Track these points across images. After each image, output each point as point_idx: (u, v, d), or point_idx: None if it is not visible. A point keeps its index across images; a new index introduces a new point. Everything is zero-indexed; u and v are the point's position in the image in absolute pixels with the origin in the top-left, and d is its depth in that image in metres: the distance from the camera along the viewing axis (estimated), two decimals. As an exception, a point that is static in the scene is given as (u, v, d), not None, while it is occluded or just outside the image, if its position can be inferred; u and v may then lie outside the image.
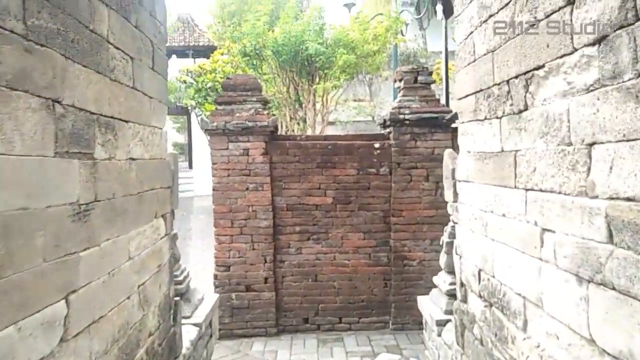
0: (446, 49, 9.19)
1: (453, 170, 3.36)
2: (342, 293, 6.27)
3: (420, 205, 6.18)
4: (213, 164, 6.19)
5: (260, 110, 6.18)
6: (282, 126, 9.49)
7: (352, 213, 6.25)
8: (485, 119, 2.69)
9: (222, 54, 12.52)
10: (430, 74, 6.38)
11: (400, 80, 6.41)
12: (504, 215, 2.45)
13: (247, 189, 6.17)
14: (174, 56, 20.34)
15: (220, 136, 6.15)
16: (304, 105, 9.25)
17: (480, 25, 2.69)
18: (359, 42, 8.58)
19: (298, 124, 9.26)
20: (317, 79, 8.95)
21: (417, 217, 6.18)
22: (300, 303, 6.30)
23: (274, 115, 10.34)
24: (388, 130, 6.36)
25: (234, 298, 6.19)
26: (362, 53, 8.63)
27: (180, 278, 3.98)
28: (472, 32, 2.84)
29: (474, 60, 2.83)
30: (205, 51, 20.28)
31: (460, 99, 3.14)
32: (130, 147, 2.40)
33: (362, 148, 6.23)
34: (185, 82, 13.34)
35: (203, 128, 5.95)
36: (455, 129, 6.25)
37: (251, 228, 6.18)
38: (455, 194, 3.32)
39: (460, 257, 3.24)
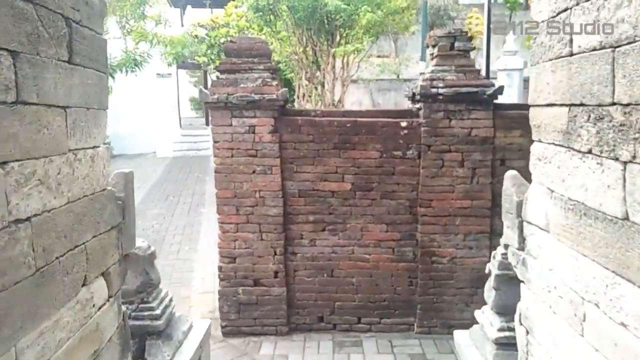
0: (489, 1, 7.89)
1: (519, 205, 2.38)
2: (361, 291, 5.43)
3: (453, 194, 5.21)
4: (215, 142, 5.27)
5: (268, 80, 5.18)
6: (298, 89, 8.46)
7: (373, 202, 5.32)
8: (591, 152, 1.70)
9: (236, 7, 11.33)
10: (471, 39, 5.26)
11: (433, 46, 5.31)
12: (623, 325, 1.49)
13: (253, 171, 5.26)
14: (189, 7, 19.14)
15: (222, 110, 5.20)
16: (322, 68, 8.17)
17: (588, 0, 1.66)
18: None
19: (315, 88, 8.21)
20: (338, 39, 7.83)
21: (449, 208, 5.22)
22: (314, 300, 5.49)
23: (287, 79, 9.30)
24: (417, 106, 5.32)
25: (240, 293, 5.41)
26: (389, 10, 7.44)
27: (158, 311, 3.13)
28: (569, 9, 1.80)
29: (571, 55, 1.82)
30: (223, 0, 19.02)
31: (538, 105, 2.14)
32: (11, 203, 1.46)
33: (387, 127, 5.22)
34: (197, 36, 12.24)
35: (202, 100, 4.97)
36: (498, 106, 5.19)
37: (259, 216, 5.31)
38: (522, 240, 2.35)
39: (528, 332, 2.29)
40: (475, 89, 5.04)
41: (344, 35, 7.76)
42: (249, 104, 5.13)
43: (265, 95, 5.10)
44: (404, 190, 5.29)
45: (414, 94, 5.32)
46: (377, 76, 14.93)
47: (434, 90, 5.06)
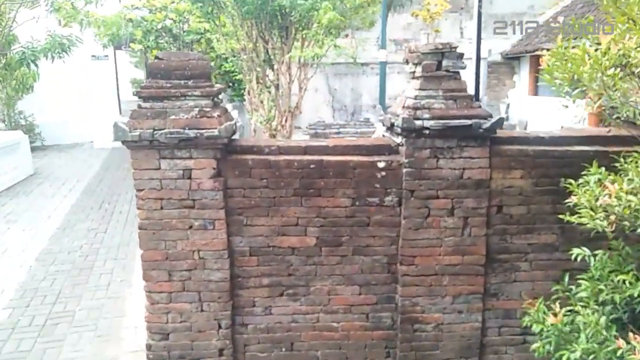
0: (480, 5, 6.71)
1: None
2: (327, 366, 4.32)
3: (441, 249, 4.12)
4: (138, 190, 3.94)
5: (207, 110, 3.86)
6: (248, 93, 7.10)
7: (343, 259, 4.16)
8: None
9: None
10: (461, 56, 4.07)
11: (415, 64, 4.10)
12: None
13: (190, 227, 3.99)
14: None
15: (147, 150, 3.86)
16: (275, 68, 6.83)
17: None
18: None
19: (269, 91, 6.87)
20: (294, 34, 6.48)
21: (436, 265, 4.14)
22: (270, 378, 4.34)
23: (235, 79, 7.91)
24: (398, 141, 4.13)
25: (176, 374, 4.18)
26: (352, 4, 6.15)
27: None
28: None
29: None
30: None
31: None
32: None
33: (360, 168, 4.03)
34: (131, 20, 10.53)
35: (119, 139, 3.61)
36: (494, 139, 4.08)
37: (198, 282, 4.06)
38: None
39: None
40: (468, 122, 3.90)
41: (301, 34, 6.43)
42: (182, 142, 3.81)
43: (204, 131, 3.79)
44: (381, 245, 4.15)
45: (392, 125, 4.13)
46: (333, 60, 13.62)
47: (418, 122, 3.88)
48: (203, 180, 3.91)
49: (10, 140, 11.32)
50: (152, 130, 3.75)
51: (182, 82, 3.88)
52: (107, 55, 15.79)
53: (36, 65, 11.61)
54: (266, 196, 4.02)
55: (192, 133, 3.76)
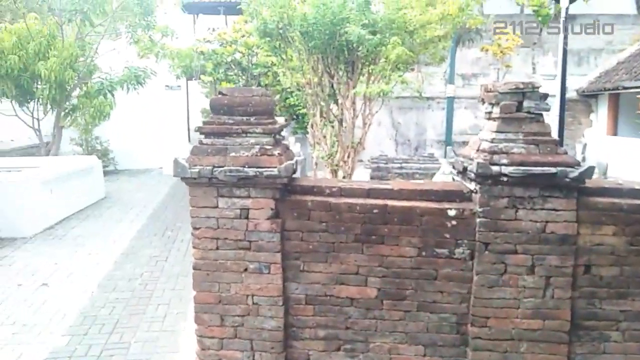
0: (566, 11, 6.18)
1: None
2: None
3: (518, 311, 3.64)
4: (194, 228, 3.75)
5: (268, 148, 3.65)
6: (311, 127, 6.92)
7: (407, 314, 3.76)
8: None
9: (246, 22, 9.82)
10: (545, 97, 3.65)
11: (493, 105, 3.72)
12: None
13: (245, 269, 3.74)
14: (200, 14, 17.62)
15: (205, 188, 3.68)
16: (340, 103, 6.62)
17: None
18: (420, 24, 5.79)
19: (332, 126, 6.65)
20: (360, 69, 6.26)
21: (512, 329, 3.65)
22: None
23: (300, 114, 7.80)
24: (471, 187, 3.73)
25: (224, 423, 3.89)
26: (423, 39, 5.86)
27: None
28: None
29: None
30: (238, 9, 17.57)
31: None
32: None
33: (428, 215, 3.65)
34: (203, 53, 10.76)
35: (178, 175, 3.44)
36: (584, 191, 3.59)
37: (251, 329, 3.79)
38: None
39: None
40: (552, 169, 3.45)
41: (367, 69, 6.20)
42: (241, 181, 3.60)
43: (264, 170, 3.56)
44: (449, 302, 3.72)
45: (465, 169, 3.74)
46: (398, 94, 13.30)
47: (495, 168, 3.48)
48: (260, 221, 3.68)
49: (85, 165, 11.73)
50: (211, 168, 3.57)
51: (244, 118, 3.70)
52: (179, 86, 16.32)
53: (112, 95, 12.09)
54: (325, 241, 3.72)
55: (251, 171, 3.55)
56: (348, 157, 6.56)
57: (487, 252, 3.59)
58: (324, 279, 3.76)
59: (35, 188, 9.47)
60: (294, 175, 3.77)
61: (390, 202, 3.69)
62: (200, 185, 3.66)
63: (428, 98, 14.72)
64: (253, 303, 3.76)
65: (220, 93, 3.78)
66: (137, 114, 15.59)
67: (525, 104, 3.60)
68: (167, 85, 15.85)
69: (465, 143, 15.40)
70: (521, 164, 3.47)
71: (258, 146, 3.65)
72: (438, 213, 3.64)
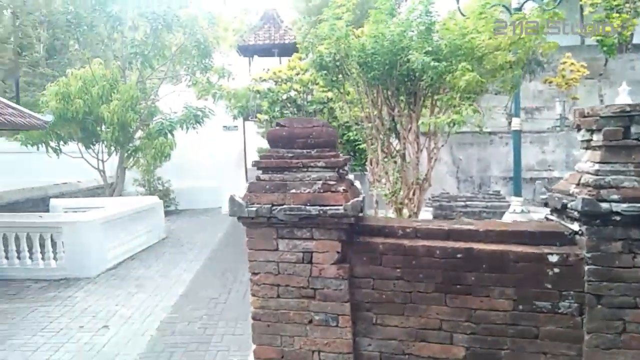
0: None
1: None
2: None
3: (644, 379, 2.89)
4: (253, 274, 3.29)
5: (332, 183, 3.18)
6: (371, 163, 6.42)
7: (501, 379, 3.09)
8: None
9: (300, 59, 9.62)
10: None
11: (592, 131, 3.09)
12: None
13: (310, 321, 3.23)
14: (255, 56, 17.84)
15: (264, 228, 3.23)
16: (401, 136, 6.11)
17: None
18: (489, 49, 5.24)
19: (394, 161, 6.14)
20: (422, 99, 5.76)
21: (636, 401, 2.90)
22: None
23: (359, 149, 7.29)
24: (574, 229, 3.09)
25: None
26: (494, 65, 5.30)
27: None
28: None
29: None
30: (291, 49, 17.70)
31: None
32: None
33: (524, 261, 3.03)
34: (258, 92, 10.63)
35: (234, 214, 3.00)
36: None
37: (316, 391, 3.23)
38: None
39: None
40: (679, 204, 2.77)
41: (431, 100, 5.69)
42: (303, 220, 3.14)
43: (328, 208, 3.09)
44: (553, 365, 3.04)
45: (564, 207, 3.10)
46: (458, 129, 12.66)
47: (604, 205, 2.83)
48: (325, 266, 3.18)
49: (147, 205, 11.72)
50: (270, 206, 3.14)
51: (305, 151, 3.27)
52: (236, 126, 16.37)
53: (172, 135, 12.15)
54: (401, 290, 3.16)
55: (314, 210, 3.08)
56: (413, 194, 5.99)
57: (599, 306, 2.91)
58: (401, 335, 3.18)
59: (99, 228, 9.44)
60: (360, 214, 3.26)
61: (476, 246, 3.10)
62: (258, 225, 3.23)
63: (490, 133, 13.94)
64: (319, 361, 3.22)
65: (278, 125, 3.38)
66: (197, 155, 15.69)
67: (634, 129, 2.96)
68: (224, 126, 15.92)
69: (533, 180, 14.43)
70: (635, 199, 2.81)
71: (321, 182, 3.19)
72: (536, 259, 3.01)
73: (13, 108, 9.04)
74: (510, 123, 13.50)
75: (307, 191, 3.17)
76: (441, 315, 3.12)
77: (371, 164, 6.60)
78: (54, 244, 9.09)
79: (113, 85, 11.93)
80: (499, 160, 14.51)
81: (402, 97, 5.93)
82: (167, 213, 14.43)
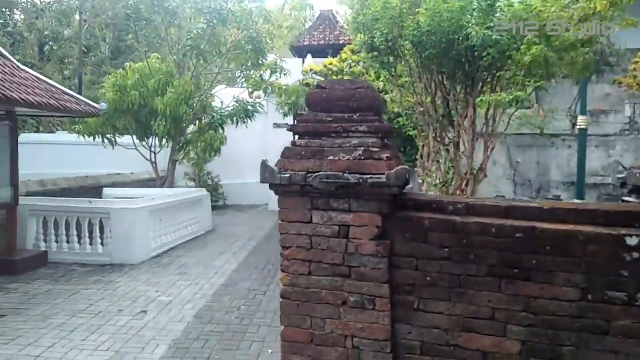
0: None
1: None
2: None
3: None
4: (283, 247, 3.02)
5: (375, 150, 2.86)
6: (422, 150, 6.02)
7: (563, 381, 2.65)
8: None
9: (352, 51, 9.33)
10: None
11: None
12: None
13: (344, 302, 2.91)
14: (309, 55, 17.72)
15: (297, 198, 2.96)
16: (456, 123, 5.68)
17: None
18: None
19: (447, 149, 5.71)
20: (481, 86, 5.32)
21: None
22: None
23: (408, 136, 6.85)
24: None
25: None
26: (562, 44, 4.77)
27: None
28: None
29: None
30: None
31: None
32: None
33: (596, 244, 2.59)
34: (308, 85, 10.44)
35: (266, 181, 2.72)
36: None
37: (348, 381, 2.90)
38: None
39: None
40: None
41: (494, 78, 5.22)
42: (340, 190, 2.83)
43: (369, 177, 2.77)
44: (628, 368, 2.57)
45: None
46: (517, 130, 11.97)
47: (701, 177, 2.36)
48: (363, 242, 2.85)
49: (194, 197, 11.79)
50: (305, 173, 2.86)
51: (346, 115, 2.96)
52: (287, 124, 16.26)
53: (222, 129, 12.18)
54: (448, 272, 2.79)
55: (353, 178, 2.77)
56: (466, 185, 5.54)
57: (689, 299, 2.43)
58: (446, 323, 2.80)
59: (146, 216, 9.52)
60: (405, 186, 2.92)
61: (539, 225, 2.68)
62: (291, 194, 2.95)
63: (551, 135, 13.12)
64: (353, 347, 2.89)
65: (318, 87, 3.10)
66: (247, 152, 15.72)
67: None
68: (275, 124, 15.87)
69: (597, 186, 13.44)
70: None
71: (362, 148, 2.87)
72: (611, 241, 2.56)
73: (70, 95, 9.27)
74: (574, 126, 12.72)
75: (346, 158, 2.87)
76: (494, 303, 2.72)
77: (421, 158, 6.18)
78: (102, 231, 9.23)
79: (168, 79, 12.11)
80: (560, 164, 13.61)
81: (458, 81, 5.51)
82: (215, 208, 14.51)
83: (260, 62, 12.30)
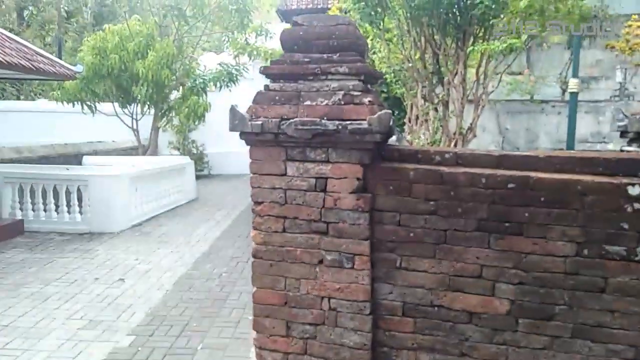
0: None
1: None
2: None
3: None
4: (255, 203, 2.77)
5: (356, 94, 2.59)
6: (410, 111, 5.75)
7: (554, 342, 2.48)
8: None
9: (339, 9, 8.92)
10: None
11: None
12: None
13: (320, 261, 2.68)
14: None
15: (270, 148, 2.69)
16: (446, 81, 5.40)
17: None
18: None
19: (436, 109, 5.45)
20: (473, 36, 5.02)
21: None
22: None
23: (395, 96, 6.54)
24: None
25: None
26: (559, -10, 4.50)
27: None
28: None
29: None
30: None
31: None
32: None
33: (595, 194, 2.37)
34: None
35: (235, 129, 2.44)
36: None
37: (326, 345, 2.70)
38: None
39: None
40: None
41: (486, 31, 4.93)
42: (317, 138, 2.57)
43: (349, 123, 2.50)
44: (624, 327, 2.38)
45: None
46: (507, 96, 11.72)
47: None
48: (342, 195, 2.61)
49: (177, 164, 11.49)
50: (278, 120, 2.59)
51: (325, 56, 2.68)
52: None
53: (205, 93, 11.79)
54: (434, 227, 2.56)
55: (331, 125, 2.51)
56: (455, 145, 5.31)
57: (694, 253, 2.23)
58: (430, 282, 2.59)
59: (126, 184, 9.23)
60: (389, 134, 2.66)
61: (534, 174, 2.45)
62: (264, 144, 2.69)
63: (541, 101, 12.92)
64: (330, 308, 2.68)
65: (294, 23, 2.80)
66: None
67: None
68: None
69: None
70: None
71: (342, 92, 2.60)
72: (611, 191, 2.34)
73: (44, 56, 8.83)
74: (564, 92, 12.53)
75: (324, 103, 2.60)
76: (482, 260, 2.50)
77: (409, 122, 5.91)
78: (80, 199, 8.93)
79: (149, 41, 11.62)
80: (549, 131, 13.45)
81: (449, 34, 5.20)
82: (200, 177, 14.20)
83: (245, 23, 11.82)
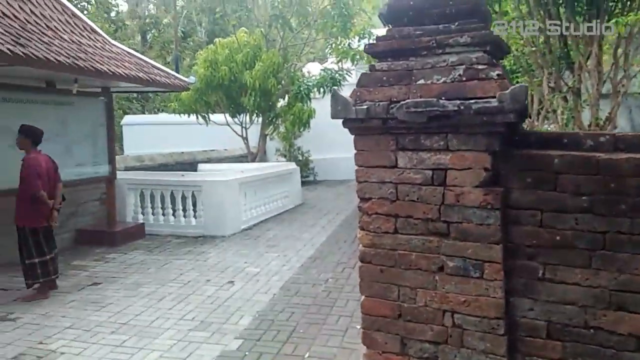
0: None
1: None
2: None
3: None
4: (361, 199, 2.40)
5: (481, 68, 2.11)
6: (533, 101, 5.03)
7: None
8: None
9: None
10: None
11: None
12: None
13: (440, 269, 2.23)
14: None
15: (377, 136, 2.31)
16: (576, 66, 4.64)
17: None
18: None
19: (565, 98, 4.70)
20: (610, 11, 4.25)
21: None
22: None
23: (516, 81, 5.81)
24: None
25: None
26: None
27: None
28: None
29: None
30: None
31: None
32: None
33: None
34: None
35: (337, 116, 2.09)
36: None
37: (448, 368, 2.23)
38: None
39: None
40: None
41: (625, 4, 4.13)
42: (434, 122, 2.13)
43: (474, 101, 2.04)
44: None
45: None
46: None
47: None
48: (466, 190, 2.14)
49: (284, 170, 11.56)
50: (387, 103, 2.20)
51: (441, 26, 2.24)
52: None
53: (309, 99, 11.74)
54: (588, 229, 2.00)
55: (451, 105, 2.06)
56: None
57: None
58: (584, 298, 2.02)
59: (237, 189, 9.42)
60: (523, 114, 2.15)
61: None
62: (370, 131, 2.31)
63: (688, 95, 11.15)
64: (454, 324, 2.21)
65: (403, -7, 2.39)
66: (337, 126, 15.18)
67: None
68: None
69: None
70: None
71: (463, 66, 2.14)
72: None
73: (159, 69, 9.28)
74: None
75: (441, 80, 2.17)
76: (659, 271, 1.89)
77: (530, 108, 5.17)
78: (194, 204, 9.26)
79: (256, 52, 11.89)
80: (694, 127, 11.54)
81: (581, 13, 4.45)
82: (306, 183, 14.21)
83: (348, 28, 11.62)
